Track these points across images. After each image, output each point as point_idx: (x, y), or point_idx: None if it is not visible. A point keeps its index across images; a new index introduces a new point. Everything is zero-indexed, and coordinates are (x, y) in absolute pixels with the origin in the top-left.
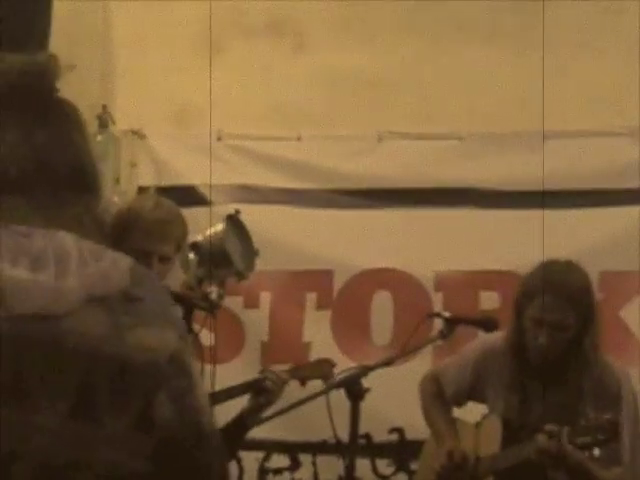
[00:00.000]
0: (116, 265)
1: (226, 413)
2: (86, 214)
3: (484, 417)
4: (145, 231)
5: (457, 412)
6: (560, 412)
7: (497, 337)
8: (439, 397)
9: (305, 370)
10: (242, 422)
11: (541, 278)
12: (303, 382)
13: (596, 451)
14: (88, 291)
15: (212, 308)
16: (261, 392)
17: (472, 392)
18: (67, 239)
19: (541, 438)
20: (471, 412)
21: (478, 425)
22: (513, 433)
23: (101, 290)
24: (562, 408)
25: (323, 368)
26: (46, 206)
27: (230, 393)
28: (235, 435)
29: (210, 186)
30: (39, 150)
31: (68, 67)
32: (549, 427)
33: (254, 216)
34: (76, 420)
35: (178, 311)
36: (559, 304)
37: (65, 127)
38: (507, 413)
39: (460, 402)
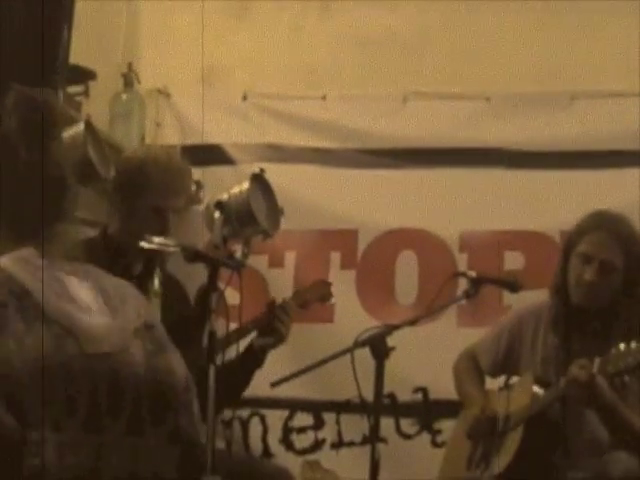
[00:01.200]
0: (138, 297)
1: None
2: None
3: (517, 379)
4: (162, 187)
5: (488, 384)
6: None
7: (534, 302)
8: (472, 371)
9: (305, 294)
10: (255, 358)
11: (595, 219)
12: (305, 306)
13: (627, 378)
14: (131, 327)
15: (238, 267)
16: (270, 330)
17: (507, 360)
18: (99, 275)
19: (572, 368)
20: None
21: (510, 387)
22: (546, 387)
23: (137, 323)
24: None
25: (321, 289)
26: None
27: (240, 333)
28: (248, 370)
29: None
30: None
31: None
32: (581, 360)
33: (279, 175)
34: (132, 437)
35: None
36: (610, 243)
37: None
38: (544, 369)
39: (495, 372)
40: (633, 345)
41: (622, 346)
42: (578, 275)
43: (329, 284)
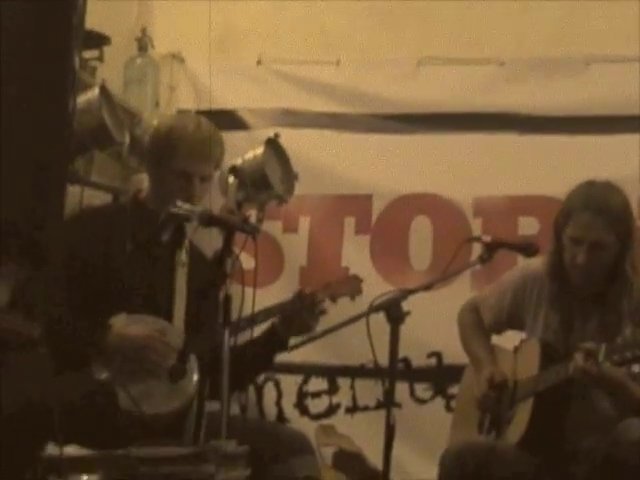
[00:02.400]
0: None
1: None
2: None
3: (522, 341)
4: (188, 153)
5: (495, 340)
6: (601, 333)
7: (537, 263)
8: (478, 326)
9: (334, 287)
10: (278, 342)
11: (580, 197)
12: (334, 299)
13: (636, 368)
14: None
15: (253, 232)
16: (298, 322)
17: (511, 319)
18: None
19: (578, 356)
20: (509, 340)
21: (516, 350)
22: (552, 355)
23: None
24: (603, 329)
25: (352, 284)
26: None
27: (268, 313)
28: (270, 352)
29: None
30: None
31: None
32: (587, 345)
33: (293, 140)
34: None
35: None
36: (597, 222)
37: None
38: (546, 336)
39: (499, 330)
40: (639, 334)
41: (628, 333)
42: (571, 257)
43: (360, 280)
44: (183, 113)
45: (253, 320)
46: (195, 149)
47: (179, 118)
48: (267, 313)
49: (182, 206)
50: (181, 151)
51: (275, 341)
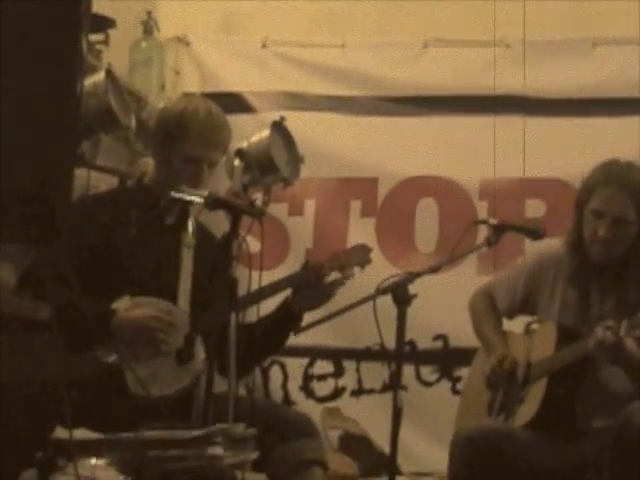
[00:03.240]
0: None
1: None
2: None
3: (537, 324)
4: (199, 138)
5: (507, 325)
6: (619, 310)
7: (553, 246)
8: (490, 310)
9: (342, 257)
10: (292, 317)
11: (603, 173)
12: (343, 270)
13: None
14: None
15: (259, 215)
16: (307, 289)
17: (524, 303)
18: None
19: (599, 330)
20: (516, 326)
21: (530, 333)
22: (568, 337)
23: None
24: (622, 307)
25: (360, 253)
26: None
27: (275, 287)
28: (285, 329)
29: None
30: None
31: None
32: (607, 322)
33: (299, 123)
34: None
35: None
36: (620, 196)
37: None
38: (564, 314)
39: (511, 314)
40: None
41: None
42: (592, 232)
43: (369, 249)
44: (191, 96)
45: (260, 295)
46: (206, 135)
47: (189, 101)
48: (274, 287)
49: (183, 190)
50: (192, 135)
51: (288, 316)
